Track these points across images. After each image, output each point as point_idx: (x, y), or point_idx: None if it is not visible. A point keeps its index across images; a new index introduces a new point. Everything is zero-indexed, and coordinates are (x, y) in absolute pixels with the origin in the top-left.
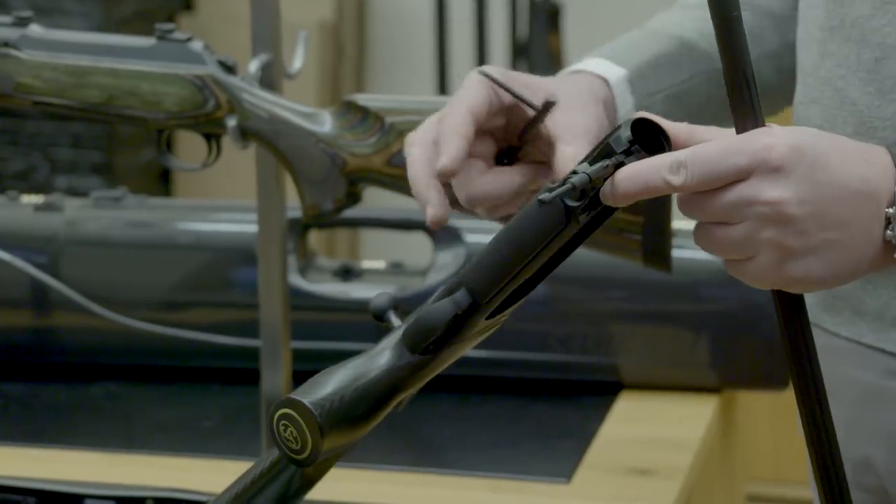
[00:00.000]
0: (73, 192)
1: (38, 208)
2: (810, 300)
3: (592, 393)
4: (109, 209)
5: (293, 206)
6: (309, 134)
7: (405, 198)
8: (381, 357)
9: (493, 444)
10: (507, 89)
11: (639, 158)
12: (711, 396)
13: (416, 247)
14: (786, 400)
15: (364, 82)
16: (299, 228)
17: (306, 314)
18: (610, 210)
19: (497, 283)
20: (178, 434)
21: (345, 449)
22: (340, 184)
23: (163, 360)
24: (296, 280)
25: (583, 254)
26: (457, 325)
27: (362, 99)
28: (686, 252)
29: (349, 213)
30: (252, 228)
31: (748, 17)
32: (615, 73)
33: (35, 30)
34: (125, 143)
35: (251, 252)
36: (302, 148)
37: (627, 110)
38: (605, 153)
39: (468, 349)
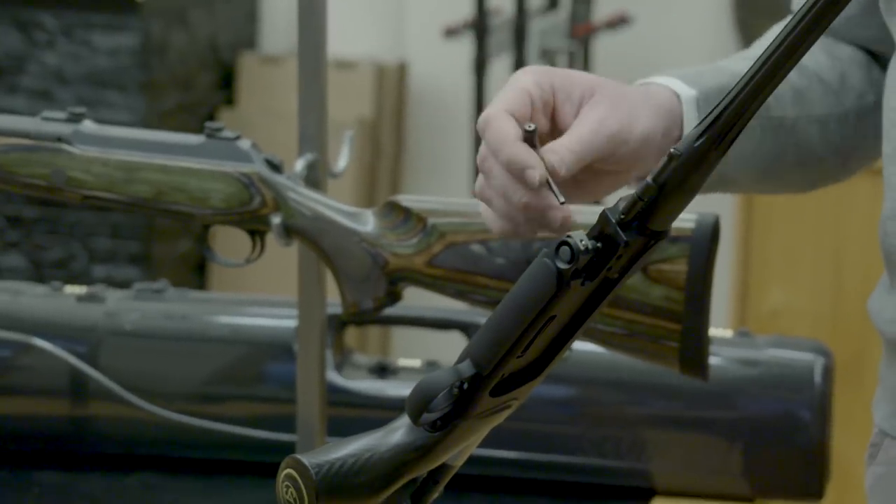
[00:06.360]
0: (111, 282)
1: (80, 299)
2: (886, 411)
3: (625, 498)
4: (150, 301)
5: (331, 301)
6: (352, 233)
7: (442, 297)
8: (395, 433)
9: None
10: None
11: (636, 231)
12: None
13: (449, 345)
14: None
15: (401, 179)
16: (337, 325)
17: (342, 410)
18: (612, 282)
19: (498, 350)
20: None
21: None
22: (381, 283)
23: (199, 453)
24: (332, 376)
25: (618, 358)
26: (461, 398)
27: (405, 200)
28: (721, 359)
29: (388, 310)
30: (288, 323)
31: (794, 76)
32: (686, 91)
33: (88, 125)
34: (163, 234)
35: (288, 346)
36: (344, 247)
37: None
38: (602, 221)
39: (480, 433)
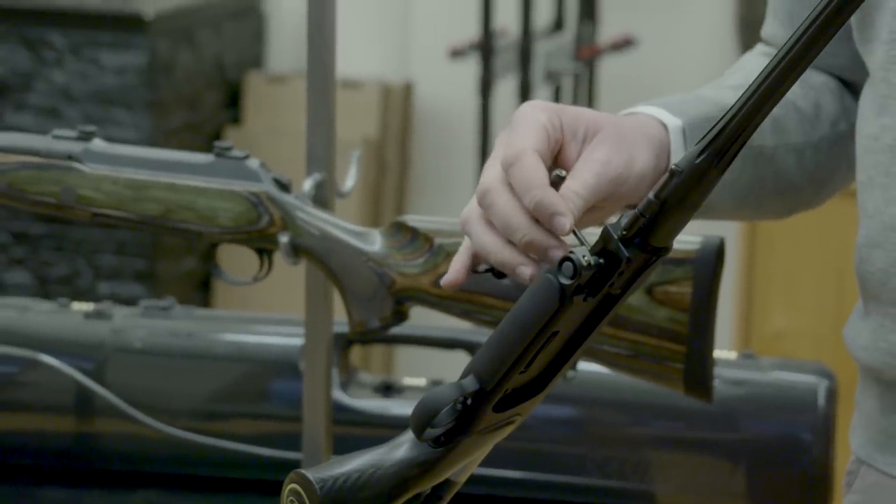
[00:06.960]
0: (116, 299)
1: (87, 315)
2: (862, 438)
3: None
4: (157, 318)
5: (338, 320)
6: (359, 253)
7: (448, 316)
8: (399, 449)
9: None
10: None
11: (637, 247)
12: None
13: (454, 365)
14: None
15: (406, 198)
16: (343, 343)
17: (347, 429)
18: (615, 298)
19: (501, 365)
20: None
21: None
22: (388, 302)
23: (204, 470)
24: (338, 395)
25: (622, 379)
26: (465, 413)
27: (412, 220)
28: (725, 381)
29: (394, 329)
30: (295, 342)
31: None
32: (672, 121)
33: (98, 144)
34: (168, 252)
35: (294, 365)
36: (352, 266)
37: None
38: (604, 237)
39: (484, 449)
